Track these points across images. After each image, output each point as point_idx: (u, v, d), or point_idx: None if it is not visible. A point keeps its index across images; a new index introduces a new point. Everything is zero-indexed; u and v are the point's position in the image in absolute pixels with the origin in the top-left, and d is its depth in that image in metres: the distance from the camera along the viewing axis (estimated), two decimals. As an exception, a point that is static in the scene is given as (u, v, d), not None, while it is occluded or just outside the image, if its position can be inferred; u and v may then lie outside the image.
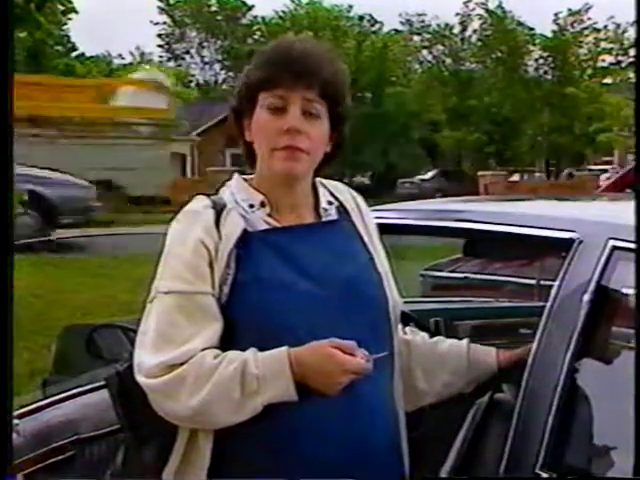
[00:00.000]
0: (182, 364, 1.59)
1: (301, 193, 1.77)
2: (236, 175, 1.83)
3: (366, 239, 1.82)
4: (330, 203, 1.81)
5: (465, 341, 1.95)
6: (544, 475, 1.69)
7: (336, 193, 1.84)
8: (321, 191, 1.82)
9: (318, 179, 1.82)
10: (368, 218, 1.86)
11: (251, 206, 1.73)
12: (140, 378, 1.62)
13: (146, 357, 1.62)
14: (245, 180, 1.79)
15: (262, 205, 1.73)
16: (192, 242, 1.66)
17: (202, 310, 1.63)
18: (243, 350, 1.60)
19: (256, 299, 1.64)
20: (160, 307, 1.65)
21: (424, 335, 1.98)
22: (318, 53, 1.71)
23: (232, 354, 1.60)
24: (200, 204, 1.73)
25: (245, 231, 1.69)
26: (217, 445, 1.65)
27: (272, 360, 1.58)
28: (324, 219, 1.79)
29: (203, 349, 1.60)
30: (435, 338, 1.98)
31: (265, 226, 1.72)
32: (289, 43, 1.73)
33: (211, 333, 1.63)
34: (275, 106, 1.69)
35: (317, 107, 1.70)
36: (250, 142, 1.75)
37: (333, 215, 1.80)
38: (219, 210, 1.70)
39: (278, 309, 1.64)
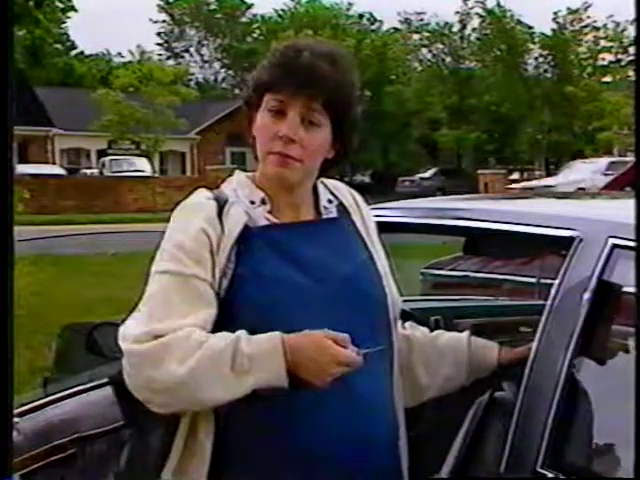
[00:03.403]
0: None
1: (300, 194, 1.77)
2: (238, 171, 1.83)
3: (365, 237, 1.82)
4: (330, 202, 1.81)
5: (465, 333, 1.96)
6: (545, 473, 1.69)
7: (336, 192, 1.84)
8: (321, 190, 1.82)
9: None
10: (367, 217, 1.86)
11: (252, 202, 1.73)
12: (123, 344, 1.57)
13: (134, 327, 1.59)
14: (247, 177, 1.79)
15: (263, 202, 1.73)
16: (193, 230, 1.65)
17: (197, 293, 1.62)
18: None
19: (254, 294, 1.64)
20: (156, 286, 1.64)
21: (424, 330, 1.98)
22: (326, 62, 1.68)
23: (224, 333, 1.57)
24: (202, 196, 1.73)
25: (246, 226, 1.69)
26: (218, 443, 1.64)
27: (265, 342, 1.55)
28: (324, 217, 1.79)
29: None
30: (435, 332, 1.98)
31: (265, 222, 1.72)
32: (299, 48, 1.69)
33: (204, 316, 1.60)
34: (276, 109, 1.68)
35: (318, 117, 1.68)
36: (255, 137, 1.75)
37: (333, 213, 1.80)
38: (221, 203, 1.70)
39: (276, 304, 1.63)
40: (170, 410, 1.60)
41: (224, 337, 1.56)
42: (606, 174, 22.25)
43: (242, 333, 1.57)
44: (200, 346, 1.54)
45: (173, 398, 1.56)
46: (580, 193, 9.23)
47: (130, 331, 1.59)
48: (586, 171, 23.46)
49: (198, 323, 1.58)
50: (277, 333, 1.56)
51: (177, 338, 1.54)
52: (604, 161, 25.06)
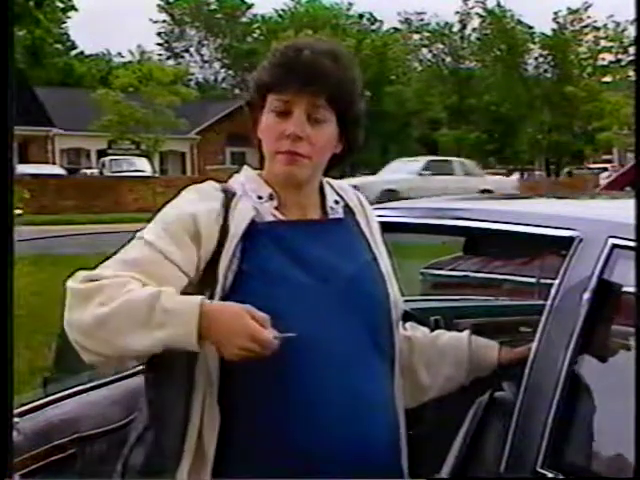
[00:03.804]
0: None
1: (307, 193, 1.77)
2: (246, 167, 1.83)
3: (369, 238, 1.82)
4: (337, 202, 1.81)
5: (466, 333, 1.96)
6: (545, 473, 1.69)
7: (341, 193, 1.85)
8: (328, 190, 1.82)
9: (325, 179, 1.83)
10: (371, 218, 1.87)
11: (260, 197, 1.73)
12: (68, 282, 1.60)
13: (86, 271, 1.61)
14: (255, 173, 1.79)
15: (270, 198, 1.74)
16: (186, 211, 1.66)
17: (163, 272, 1.61)
18: None
19: (258, 290, 1.64)
20: (132, 250, 1.65)
21: (424, 330, 1.98)
22: (328, 59, 1.68)
23: (152, 287, 1.57)
24: (211, 185, 1.74)
25: (252, 221, 1.69)
26: (220, 443, 1.63)
27: (184, 301, 1.55)
28: (330, 217, 1.79)
29: None
30: (435, 332, 1.98)
31: (272, 218, 1.72)
32: (300, 47, 1.70)
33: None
34: (280, 110, 1.69)
35: (323, 113, 1.69)
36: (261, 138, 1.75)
37: (340, 214, 1.81)
38: (229, 196, 1.71)
39: (279, 302, 1.62)
40: (99, 359, 1.61)
41: (150, 289, 1.56)
42: (422, 174, 21.61)
43: (169, 289, 1.57)
44: (127, 292, 1.55)
45: (95, 340, 1.57)
46: (579, 193, 9.22)
47: (81, 273, 1.61)
48: (403, 171, 21.95)
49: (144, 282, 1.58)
50: (200, 297, 1.56)
51: (112, 283, 1.56)
52: (423, 160, 23.59)
